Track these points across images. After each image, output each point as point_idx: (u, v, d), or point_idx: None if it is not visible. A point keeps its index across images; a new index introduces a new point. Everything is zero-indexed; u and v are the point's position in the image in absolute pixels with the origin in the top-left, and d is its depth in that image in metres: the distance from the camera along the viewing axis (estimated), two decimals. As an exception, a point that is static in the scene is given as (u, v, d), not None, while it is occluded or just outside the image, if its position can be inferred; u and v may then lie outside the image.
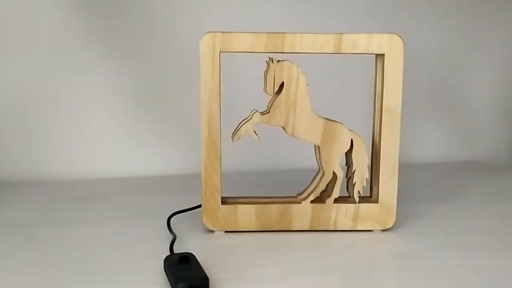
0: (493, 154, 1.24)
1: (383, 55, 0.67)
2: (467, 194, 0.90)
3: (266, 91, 0.67)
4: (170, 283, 0.51)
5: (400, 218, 0.73)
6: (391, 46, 0.66)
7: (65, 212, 0.78)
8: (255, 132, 0.68)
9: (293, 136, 0.68)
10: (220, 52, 0.65)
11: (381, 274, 0.60)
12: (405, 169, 1.10)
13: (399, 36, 0.67)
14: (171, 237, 0.66)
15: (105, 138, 1.00)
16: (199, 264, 0.54)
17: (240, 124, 0.68)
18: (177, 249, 0.62)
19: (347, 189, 0.71)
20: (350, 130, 0.69)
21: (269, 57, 0.67)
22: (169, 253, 0.59)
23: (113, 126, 1.00)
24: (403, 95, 1.14)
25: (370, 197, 0.72)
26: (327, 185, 0.70)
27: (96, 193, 0.88)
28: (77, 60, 0.97)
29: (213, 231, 0.69)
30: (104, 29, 0.97)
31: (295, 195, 0.71)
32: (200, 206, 0.74)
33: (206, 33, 0.65)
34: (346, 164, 0.71)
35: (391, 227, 0.70)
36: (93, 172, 0.98)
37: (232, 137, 0.67)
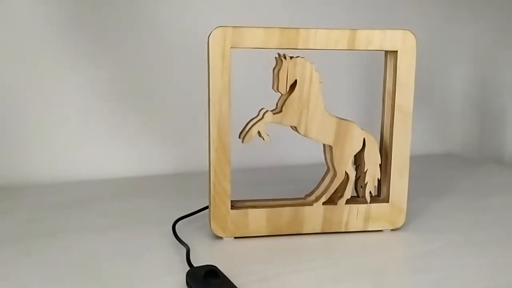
0: (464, 146, 1.27)
1: (394, 52, 0.65)
2: (455, 187, 0.91)
3: (277, 89, 0.64)
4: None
5: (411, 215, 0.73)
6: (404, 42, 0.65)
7: (56, 220, 0.71)
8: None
9: (305, 136, 0.65)
10: (231, 48, 0.61)
11: (400, 276, 0.59)
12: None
13: (412, 32, 0.65)
14: (177, 245, 0.62)
15: (89, 138, 0.93)
16: (227, 278, 0.50)
17: (249, 124, 0.64)
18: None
19: (356, 189, 0.69)
20: (362, 130, 0.67)
21: (279, 54, 0.64)
22: (186, 266, 0.54)
23: (97, 125, 0.94)
24: (381, 89, 1.15)
25: (378, 196, 0.70)
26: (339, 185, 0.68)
27: (84, 197, 0.81)
28: (58, 59, 0.90)
29: (221, 238, 0.65)
30: (85, 28, 0.90)
31: (302, 196, 0.68)
32: (203, 209, 0.71)
33: (216, 28, 0.61)
34: (355, 164, 0.69)
35: (401, 226, 0.69)
36: (77, 174, 0.91)
37: (243, 138, 0.64)
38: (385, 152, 0.68)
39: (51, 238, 0.65)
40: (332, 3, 1.06)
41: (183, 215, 0.70)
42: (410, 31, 0.65)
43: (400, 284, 0.56)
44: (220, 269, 0.53)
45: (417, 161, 1.11)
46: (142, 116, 0.96)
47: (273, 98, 0.66)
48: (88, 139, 0.93)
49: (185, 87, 0.97)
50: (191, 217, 0.70)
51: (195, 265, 0.54)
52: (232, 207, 0.65)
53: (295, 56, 0.63)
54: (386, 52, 0.67)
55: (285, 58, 0.63)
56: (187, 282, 0.50)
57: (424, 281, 0.55)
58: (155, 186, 0.90)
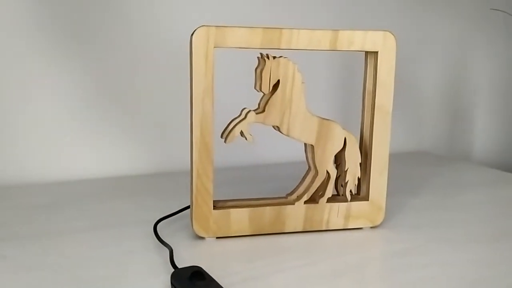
0: (436, 144, 1.30)
1: (375, 52, 0.66)
2: (429, 185, 0.94)
3: (260, 89, 0.64)
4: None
5: (390, 212, 0.74)
6: (385, 43, 0.66)
7: (32, 223, 0.70)
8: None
9: (288, 135, 0.65)
10: (214, 47, 0.61)
11: (380, 274, 0.60)
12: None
13: (392, 33, 0.66)
14: (159, 247, 0.61)
15: (68, 138, 0.91)
16: (213, 279, 0.50)
17: (231, 123, 0.64)
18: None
19: (336, 187, 0.70)
20: (343, 129, 0.67)
21: (261, 54, 0.64)
22: (170, 267, 0.54)
23: (76, 126, 0.92)
24: (357, 88, 1.16)
25: (358, 194, 0.71)
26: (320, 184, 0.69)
27: (60, 199, 0.79)
28: (29, 58, 0.87)
29: (203, 238, 0.65)
30: (66, 26, 0.88)
31: (283, 195, 0.69)
32: (184, 209, 0.70)
33: (199, 27, 0.60)
34: (335, 163, 0.70)
35: (380, 224, 0.71)
36: (52, 175, 0.89)
37: (225, 138, 0.64)
38: (365, 151, 0.69)
39: (28, 241, 0.63)
40: (312, 4, 1.07)
41: (164, 215, 0.69)
42: (390, 32, 0.66)
43: (381, 282, 0.58)
44: (204, 270, 0.53)
45: (392, 160, 1.14)
46: (123, 116, 0.95)
47: (256, 98, 0.66)
48: (66, 140, 0.91)
49: (167, 86, 0.96)
50: (172, 217, 0.70)
51: (180, 266, 0.54)
52: (214, 207, 0.65)
53: (278, 56, 0.63)
54: (367, 52, 0.68)
55: (268, 58, 0.63)
56: (172, 283, 0.50)
57: (404, 278, 0.56)
58: (136, 187, 0.88)
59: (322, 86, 1.12)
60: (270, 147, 0.97)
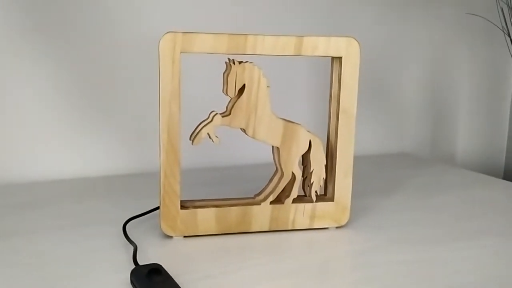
0: (418, 146, 1.32)
1: (340, 57, 0.68)
2: (405, 186, 0.96)
3: (226, 93, 0.66)
4: (144, 299, 0.49)
5: (358, 213, 0.77)
6: (348, 49, 0.68)
7: (6, 221, 0.72)
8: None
9: (253, 138, 0.68)
10: (180, 52, 0.63)
11: (341, 272, 0.62)
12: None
13: (356, 39, 0.68)
14: (128, 245, 0.63)
15: (42, 138, 0.93)
16: (170, 276, 0.52)
17: (199, 126, 0.66)
18: (137, 259, 0.60)
19: (303, 188, 0.72)
20: (308, 132, 0.70)
21: (229, 59, 0.66)
22: (133, 265, 0.56)
23: (50, 126, 0.94)
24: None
25: (324, 195, 0.73)
26: (286, 185, 0.71)
27: (37, 199, 0.82)
28: (14, 57, 0.89)
29: (171, 237, 0.67)
30: (41, 26, 0.90)
31: (252, 195, 0.71)
32: (154, 209, 0.72)
33: (166, 33, 0.62)
34: (302, 164, 0.72)
35: (345, 224, 0.73)
36: (31, 175, 0.92)
37: (192, 140, 0.66)
38: (330, 153, 0.72)
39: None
40: (295, 11, 1.09)
41: (135, 215, 0.71)
42: (354, 38, 0.68)
43: (339, 280, 0.59)
44: (166, 268, 0.55)
45: (371, 161, 1.17)
46: (102, 117, 0.97)
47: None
48: (40, 140, 0.93)
49: (146, 88, 0.98)
50: (144, 217, 0.72)
51: (144, 263, 0.56)
52: (182, 207, 0.67)
53: (243, 62, 0.65)
54: (333, 58, 0.70)
55: (233, 63, 0.65)
56: (131, 280, 0.52)
57: (360, 276, 0.58)
58: (109, 187, 0.90)
59: (304, 90, 1.14)
60: (249, 148, 0.99)
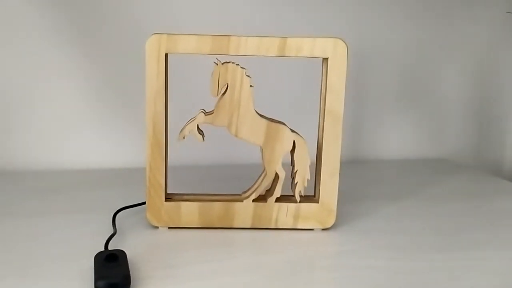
0: (461, 151, 1.25)
1: (327, 59, 0.68)
2: (420, 192, 0.92)
3: (211, 93, 0.68)
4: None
5: (344, 217, 0.76)
6: (335, 50, 0.68)
7: (20, 204, 0.80)
8: (202, 131, 0.70)
9: (236, 136, 0.69)
10: (165, 53, 0.66)
11: (308, 273, 0.61)
12: (369, 165, 1.13)
13: (343, 40, 0.68)
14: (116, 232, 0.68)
15: (71, 130, 1.01)
16: (126, 262, 0.56)
17: (186, 123, 0.69)
18: (118, 245, 0.64)
19: (292, 188, 0.73)
20: (292, 132, 0.70)
21: (217, 59, 0.68)
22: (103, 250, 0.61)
23: (80, 118, 1.02)
24: (373, 92, 1.16)
25: (314, 196, 0.73)
26: (272, 184, 0.72)
27: (56, 185, 0.89)
28: (44, 58, 0.98)
29: (157, 227, 0.71)
30: (70, 28, 0.98)
31: (240, 192, 0.73)
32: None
33: (152, 35, 0.66)
34: (291, 164, 0.72)
35: (332, 226, 0.72)
36: (61, 164, 1.00)
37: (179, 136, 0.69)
38: (318, 155, 0.71)
39: (4, 219, 0.73)
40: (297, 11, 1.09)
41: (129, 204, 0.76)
42: (341, 39, 0.68)
43: (297, 280, 0.59)
44: (136, 254, 0.60)
45: (402, 165, 1.13)
46: (125, 111, 1.03)
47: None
48: (69, 132, 1.01)
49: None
50: (140, 208, 0.76)
51: (119, 249, 0.60)
52: (169, 199, 0.71)
53: (227, 62, 0.68)
54: (323, 59, 0.70)
55: (217, 64, 0.67)
56: (94, 262, 0.56)
57: (322, 278, 0.58)
58: (130, 178, 0.94)
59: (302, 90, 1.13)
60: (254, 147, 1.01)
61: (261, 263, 0.62)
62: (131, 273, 0.56)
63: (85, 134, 1.02)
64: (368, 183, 0.99)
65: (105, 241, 0.64)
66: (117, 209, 0.74)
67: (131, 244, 0.65)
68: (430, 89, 1.21)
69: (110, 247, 0.62)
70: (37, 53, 0.97)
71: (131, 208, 0.76)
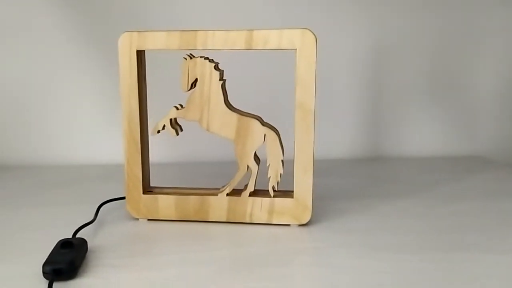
0: (496, 148, 1.16)
1: (294, 50, 0.67)
2: (430, 191, 0.87)
3: (181, 87, 0.69)
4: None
5: (331, 214, 0.75)
6: (303, 41, 0.66)
7: (24, 196, 0.86)
8: (179, 126, 0.72)
9: (208, 130, 0.70)
10: (136, 50, 0.69)
11: (265, 266, 0.60)
12: (392, 163, 1.08)
13: (311, 31, 0.66)
14: (98, 223, 0.71)
15: (83, 128, 1.08)
16: (81, 250, 0.58)
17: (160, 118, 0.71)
18: (93, 234, 0.67)
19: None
20: (263, 125, 0.69)
21: (187, 54, 0.69)
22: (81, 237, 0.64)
23: (94, 116, 1.08)
24: (401, 87, 1.11)
25: (292, 191, 0.72)
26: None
27: (67, 179, 0.95)
28: (64, 57, 1.05)
29: (137, 219, 0.73)
30: (89, 29, 1.04)
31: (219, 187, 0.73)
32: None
33: (124, 33, 0.69)
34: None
35: (311, 223, 0.70)
36: (69, 159, 1.07)
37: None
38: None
39: (7, 208, 0.79)
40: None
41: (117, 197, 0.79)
42: (309, 30, 0.66)
43: (257, 273, 0.57)
44: (102, 244, 0.63)
45: (427, 162, 1.07)
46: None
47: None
48: (82, 130, 1.08)
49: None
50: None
51: (94, 238, 0.63)
52: (150, 192, 0.73)
53: (195, 56, 0.68)
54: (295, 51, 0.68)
55: (186, 58, 0.68)
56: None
57: (280, 273, 0.57)
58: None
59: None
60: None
61: (227, 255, 0.62)
62: (88, 261, 0.59)
63: (94, 130, 1.08)
64: (380, 181, 0.95)
65: (85, 229, 0.68)
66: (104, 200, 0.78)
67: (105, 234, 0.68)
68: (460, 82, 1.13)
69: (85, 236, 0.65)
70: (51, 53, 1.04)
71: (122, 200, 0.79)
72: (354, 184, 0.92)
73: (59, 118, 1.08)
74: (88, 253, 0.61)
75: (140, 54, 0.70)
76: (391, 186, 0.90)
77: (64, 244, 0.58)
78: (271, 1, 1.07)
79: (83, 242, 0.61)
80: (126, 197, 0.73)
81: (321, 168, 1.01)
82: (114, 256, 0.61)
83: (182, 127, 0.72)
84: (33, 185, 0.92)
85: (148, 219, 0.73)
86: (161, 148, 1.03)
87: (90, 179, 0.96)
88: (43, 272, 0.54)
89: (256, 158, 0.71)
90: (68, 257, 0.56)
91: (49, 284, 0.52)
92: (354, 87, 1.12)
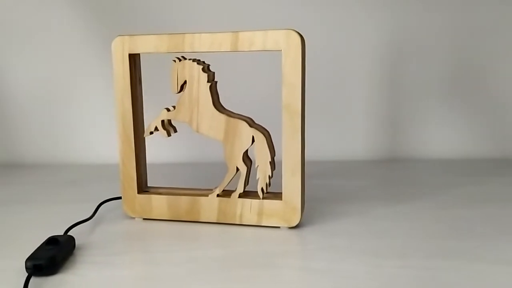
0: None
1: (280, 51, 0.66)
2: (439, 194, 0.84)
3: (171, 89, 0.71)
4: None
5: (325, 216, 0.74)
6: (288, 42, 0.65)
7: (36, 193, 0.90)
8: (173, 127, 0.73)
9: (197, 132, 0.71)
10: (128, 53, 0.70)
11: (246, 268, 0.59)
12: (410, 164, 1.05)
13: (297, 31, 0.65)
14: (95, 220, 0.74)
15: (98, 128, 1.12)
16: (66, 247, 0.61)
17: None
18: (88, 232, 0.70)
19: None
20: (252, 127, 0.69)
21: (177, 57, 0.70)
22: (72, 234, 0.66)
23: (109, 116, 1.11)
24: (420, 86, 1.08)
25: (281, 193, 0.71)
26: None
27: (80, 178, 1.00)
28: (87, 58, 1.09)
29: (133, 218, 0.75)
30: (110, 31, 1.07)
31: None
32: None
33: (116, 37, 0.70)
34: (259, 160, 0.71)
35: (300, 225, 0.69)
36: (86, 158, 1.11)
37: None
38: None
39: (11, 205, 0.83)
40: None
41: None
42: (294, 31, 0.65)
43: (236, 274, 0.58)
44: (93, 241, 0.65)
45: (452, 165, 1.03)
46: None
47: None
48: (96, 130, 1.11)
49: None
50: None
51: (90, 235, 0.66)
52: (146, 192, 0.75)
53: (184, 59, 0.69)
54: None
55: (175, 61, 0.69)
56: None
57: (261, 275, 0.57)
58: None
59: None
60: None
61: (215, 255, 0.62)
62: (75, 257, 0.61)
63: (109, 130, 1.11)
64: (389, 183, 0.92)
65: (82, 226, 0.70)
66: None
67: (99, 232, 0.70)
68: (482, 81, 1.08)
69: (81, 233, 0.67)
70: (73, 56, 1.09)
71: (112, 200, 0.81)
72: (359, 186, 0.90)
73: (66, 118, 1.12)
74: (76, 250, 0.64)
75: (134, 57, 0.71)
76: (398, 189, 0.88)
77: (50, 241, 0.61)
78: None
79: (71, 239, 0.63)
80: (122, 197, 0.75)
81: (331, 169, 1.00)
82: (100, 254, 0.63)
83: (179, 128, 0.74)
84: (37, 183, 0.97)
85: (144, 218, 0.75)
86: (166, 148, 1.05)
87: (95, 178, 1.00)
88: (25, 267, 0.57)
89: (247, 159, 0.71)
90: (50, 253, 0.58)
91: (26, 279, 0.54)
92: (370, 86, 1.10)
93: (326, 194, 0.84)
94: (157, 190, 0.75)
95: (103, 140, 1.11)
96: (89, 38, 1.08)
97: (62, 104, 1.12)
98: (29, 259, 0.57)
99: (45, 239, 0.63)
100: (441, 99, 1.09)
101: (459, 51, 1.07)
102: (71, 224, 0.70)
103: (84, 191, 0.91)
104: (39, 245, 0.61)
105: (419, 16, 1.05)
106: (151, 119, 0.73)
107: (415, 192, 0.85)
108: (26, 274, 0.56)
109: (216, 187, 0.72)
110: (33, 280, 0.55)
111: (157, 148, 1.08)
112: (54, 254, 0.58)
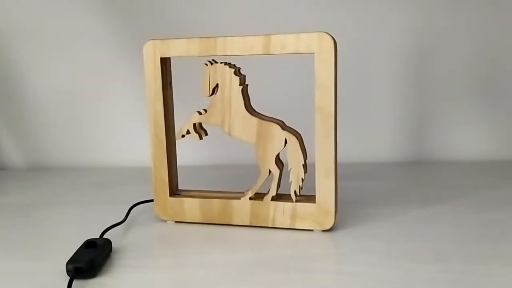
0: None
1: (313, 54, 0.66)
2: (469, 197, 0.82)
3: (203, 93, 0.71)
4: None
5: (357, 219, 0.73)
6: (320, 45, 0.65)
7: (67, 196, 0.92)
8: (204, 130, 0.73)
9: (229, 135, 0.71)
10: (160, 57, 0.71)
11: (285, 272, 0.59)
12: (437, 167, 1.04)
13: (330, 34, 0.65)
14: (128, 223, 0.74)
15: (125, 132, 1.13)
16: (104, 250, 0.61)
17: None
18: (122, 234, 0.70)
19: (292, 188, 0.71)
20: (284, 130, 0.69)
21: (208, 60, 0.70)
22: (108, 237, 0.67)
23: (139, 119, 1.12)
24: (446, 88, 1.06)
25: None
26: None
27: (106, 180, 1.01)
28: (117, 62, 1.10)
29: (165, 221, 0.75)
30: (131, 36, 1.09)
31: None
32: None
33: (148, 41, 0.71)
34: (291, 163, 0.71)
35: (333, 228, 0.69)
36: (116, 161, 1.12)
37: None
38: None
39: (41, 208, 0.85)
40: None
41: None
42: (327, 33, 0.65)
43: (268, 277, 0.58)
44: (127, 244, 0.66)
45: (477, 167, 1.01)
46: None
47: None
48: (123, 134, 1.12)
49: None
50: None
51: (121, 238, 0.67)
52: (177, 195, 0.75)
53: (216, 62, 0.70)
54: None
55: (206, 64, 0.70)
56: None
57: (292, 278, 0.57)
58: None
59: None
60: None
61: (248, 258, 0.62)
62: (112, 260, 0.62)
63: (139, 133, 1.11)
64: (418, 186, 0.91)
65: (115, 229, 0.71)
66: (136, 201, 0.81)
67: (133, 235, 0.71)
68: (510, 82, 1.06)
69: (114, 236, 0.68)
70: (103, 60, 1.10)
71: (143, 203, 0.81)
72: (389, 188, 0.89)
73: (96, 122, 1.14)
74: (113, 253, 0.64)
75: (165, 61, 0.72)
76: (428, 191, 0.87)
77: (88, 244, 0.62)
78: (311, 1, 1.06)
79: (107, 242, 0.64)
80: (154, 200, 0.75)
81: (359, 172, 0.99)
82: (135, 257, 0.63)
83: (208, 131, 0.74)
84: (69, 186, 0.98)
85: (176, 221, 0.75)
86: (193, 151, 1.06)
87: (123, 180, 1.00)
88: (66, 270, 0.57)
89: (279, 162, 0.71)
90: (89, 257, 0.59)
91: (69, 282, 0.55)
92: (396, 87, 1.09)
93: (357, 197, 0.83)
94: (188, 193, 0.75)
95: (131, 144, 1.12)
96: (119, 42, 1.09)
97: (92, 108, 1.13)
98: (69, 262, 0.58)
99: (80, 241, 0.64)
100: (468, 100, 1.08)
101: (485, 51, 1.06)
102: (103, 227, 0.71)
103: (114, 194, 0.91)
104: (75, 247, 0.62)
105: (444, 16, 1.04)
106: (180, 123, 0.73)
107: (447, 194, 0.84)
108: (67, 277, 0.57)
109: (248, 190, 0.72)
110: (74, 283, 0.56)
111: (183, 150, 1.09)
112: (93, 257, 0.59)
